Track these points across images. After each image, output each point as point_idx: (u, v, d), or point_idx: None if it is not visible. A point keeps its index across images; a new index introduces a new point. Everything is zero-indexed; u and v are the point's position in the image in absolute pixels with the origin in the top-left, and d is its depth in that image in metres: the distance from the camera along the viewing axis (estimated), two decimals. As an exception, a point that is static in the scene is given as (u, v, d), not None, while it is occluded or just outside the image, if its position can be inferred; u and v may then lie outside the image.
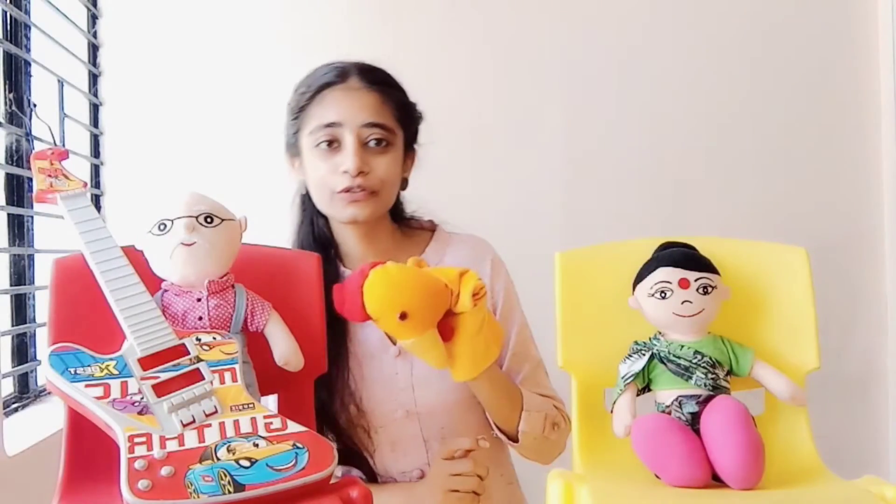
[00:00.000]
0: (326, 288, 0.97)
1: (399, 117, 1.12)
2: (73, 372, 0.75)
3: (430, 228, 1.21)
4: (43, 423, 1.31)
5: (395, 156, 1.11)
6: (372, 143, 1.09)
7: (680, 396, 0.84)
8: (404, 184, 1.19)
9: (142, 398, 0.75)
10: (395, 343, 1.10)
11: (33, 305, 1.50)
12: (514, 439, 1.10)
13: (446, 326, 0.89)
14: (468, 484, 1.03)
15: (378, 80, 1.12)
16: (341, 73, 1.11)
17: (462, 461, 1.04)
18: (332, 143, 1.09)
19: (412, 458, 1.13)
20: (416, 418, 1.12)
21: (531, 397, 1.11)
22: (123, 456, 0.69)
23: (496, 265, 1.19)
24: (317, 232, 1.15)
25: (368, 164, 1.08)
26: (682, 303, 0.85)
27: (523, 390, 1.12)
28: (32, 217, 1.50)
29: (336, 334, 1.08)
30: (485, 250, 1.20)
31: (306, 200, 1.16)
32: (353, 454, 1.11)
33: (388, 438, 1.12)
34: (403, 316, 0.84)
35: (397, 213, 1.21)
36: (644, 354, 0.86)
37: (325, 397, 1.07)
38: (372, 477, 1.12)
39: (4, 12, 1.46)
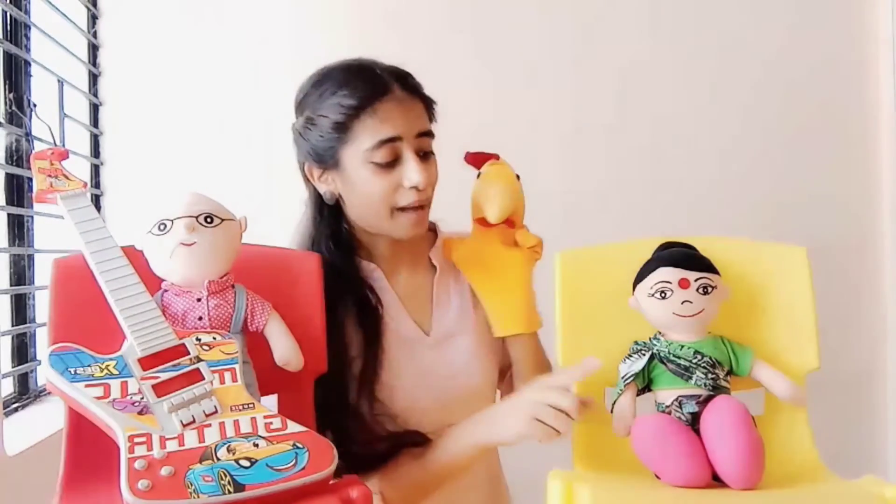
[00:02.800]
0: (351, 282, 1.09)
1: (431, 119, 1.11)
2: (73, 372, 0.75)
3: (433, 228, 1.21)
4: (43, 423, 1.31)
5: (435, 161, 1.10)
6: (425, 150, 1.08)
7: (680, 396, 0.84)
8: None
9: (142, 398, 0.75)
10: (426, 333, 1.14)
11: (33, 305, 1.50)
12: None
13: (510, 222, 1.10)
14: (559, 422, 0.88)
15: (413, 85, 1.09)
16: (384, 83, 1.06)
17: (564, 394, 0.88)
18: (388, 158, 1.04)
19: None
20: (448, 409, 1.10)
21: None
22: (123, 456, 0.69)
23: None
24: (343, 240, 1.12)
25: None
26: (682, 303, 0.85)
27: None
28: (32, 217, 1.50)
29: (370, 326, 1.09)
30: None
31: (326, 210, 1.12)
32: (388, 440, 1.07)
33: (419, 424, 1.09)
34: (518, 177, 1.12)
35: None
36: (644, 354, 0.86)
37: (352, 389, 1.06)
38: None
39: (4, 12, 1.46)
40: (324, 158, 1.08)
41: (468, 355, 1.15)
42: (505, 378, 1.21)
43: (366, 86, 1.05)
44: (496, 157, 1.15)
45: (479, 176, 1.12)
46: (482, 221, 1.10)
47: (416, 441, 1.07)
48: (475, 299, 1.16)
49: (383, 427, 1.07)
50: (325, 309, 0.99)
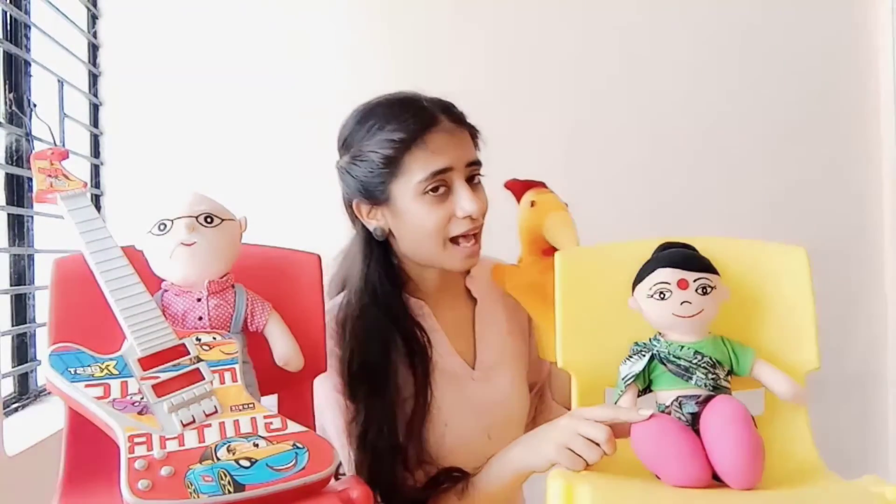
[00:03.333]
0: (402, 321, 1.08)
1: (476, 147, 1.12)
2: (73, 372, 0.75)
3: None
4: (43, 423, 1.31)
5: (483, 189, 1.11)
6: (473, 181, 1.09)
7: (680, 397, 0.84)
8: None
9: (142, 398, 0.75)
10: (473, 368, 1.14)
11: (33, 305, 1.50)
12: None
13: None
14: (589, 451, 0.85)
15: (459, 115, 1.10)
16: (432, 115, 1.06)
17: (599, 427, 0.85)
18: (438, 189, 1.05)
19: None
20: (493, 440, 1.10)
21: None
22: (123, 456, 0.69)
23: None
24: (393, 277, 1.12)
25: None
26: (682, 303, 0.85)
27: None
28: (32, 217, 1.50)
29: (421, 367, 1.08)
30: None
31: (375, 246, 1.11)
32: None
33: (466, 459, 1.08)
34: (533, 204, 1.11)
35: None
36: (644, 355, 0.86)
37: (401, 431, 1.05)
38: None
39: (4, 12, 1.46)
40: (374, 194, 1.07)
41: (509, 384, 1.16)
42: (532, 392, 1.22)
43: (414, 119, 1.05)
44: (542, 184, 1.14)
45: (531, 204, 1.11)
46: (540, 251, 1.10)
47: (455, 477, 1.06)
48: (510, 326, 1.18)
49: (426, 471, 1.07)
50: (377, 349, 1.05)
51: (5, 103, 1.44)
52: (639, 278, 0.89)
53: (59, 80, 1.61)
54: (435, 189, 1.04)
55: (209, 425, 0.73)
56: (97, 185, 1.83)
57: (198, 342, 0.81)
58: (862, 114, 1.96)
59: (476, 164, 1.09)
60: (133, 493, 0.66)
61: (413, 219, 1.06)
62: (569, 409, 0.93)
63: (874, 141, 1.95)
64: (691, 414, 0.82)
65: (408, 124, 1.04)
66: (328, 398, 1.06)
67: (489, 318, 1.18)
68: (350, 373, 1.06)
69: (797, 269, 0.93)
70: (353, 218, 1.13)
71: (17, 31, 1.49)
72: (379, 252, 1.11)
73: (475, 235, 1.09)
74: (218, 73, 1.86)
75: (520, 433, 1.07)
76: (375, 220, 1.10)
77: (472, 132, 1.11)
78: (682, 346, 0.85)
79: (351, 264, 1.13)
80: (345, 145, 1.11)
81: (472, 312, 1.18)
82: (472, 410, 1.12)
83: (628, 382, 0.86)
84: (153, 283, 0.86)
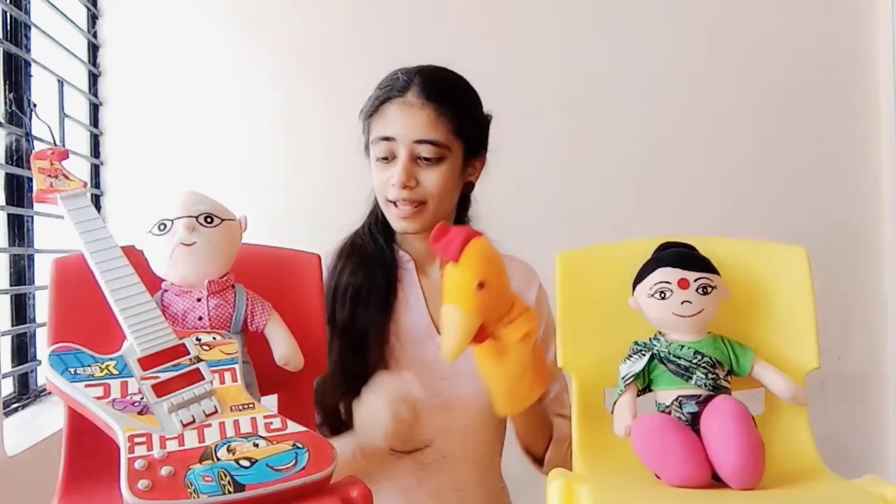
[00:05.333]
0: (384, 264, 1.18)
1: (456, 129, 1.15)
2: (73, 372, 0.75)
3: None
4: (43, 423, 1.31)
5: (447, 168, 1.15)
6: (424, 158, 1.13)
7: (680, 396, 0.84)
8: (469, 187, 1.24)
9: (142, 398, 0.75)
10: (439, 332, 1.15)
11: (33, 305, 1.50)
12: (540, 462, 1.17)
13: (484, 332, 0.88)
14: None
15: (436, 95, 1.14)
16: (403, 86, 1.15)
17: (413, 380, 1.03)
18: (388, 158, 1.14)
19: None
20: (448, 409, 1.15)
21: (560, 427, 1.17)
22: (123, 456, 0.69)
23: (541, 296, 1.25)
24: (386, 224, 1.21)
25: (416, 178, 1.13)
26: (682, 303, 0.85)
27: (554, 419, 1.18)
28: (32, 217, 1.50)
29: (382, 313, 1.16)
30: (532, 279, 1.26)
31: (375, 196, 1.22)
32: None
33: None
34: (481, 285, 0.84)
35: (461, 224, 1.24)
36: (644, 355, 0.86)
37: (356, 369, 1.11)
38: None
39: (4, 12, 1.46)
40: (366, 150, 1.20)
41: (473, 366, 1.15)
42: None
43: (387, 87, 1.16)
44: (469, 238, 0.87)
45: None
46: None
47: None
48: None
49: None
50: (354, 281, 1.15)
51: (5, 103, 1.45)
52: (639, 278, 0.89)
53: (59, 80, 1.61)
54: (381, 153, 1.15)
55: (209, 425, 0.73)
56: (97, 185, 1.84)
57: (198, 342, 0.81)
58: (862, 113, 1.95)
59: (428, 143, 1.12)
60: (133, 493, 0.65)
61: (372, 175, 1.19)
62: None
63: (874, 141, 1.95)
64: (691, 414, 0.82)
65: (380, 92, 1.17)
66: None
67: None
68: (334, 300, 1.15)
69: (797, 269, 0.93)
70: None
71: (17, 31, 1.49)
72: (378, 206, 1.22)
73: (414, 204, 1.14)
74: (218, 73, 1.86)
75: (481, 418, 1.16)
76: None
77: (454, 112, 1.14)
78: (682, 346, 0.85)
79: (364, 214, 1.25)
80: None
81: None
82: (426, 372, 1.12)
83: (628, 382, 0.86)
84: (153, 283, 0.86)
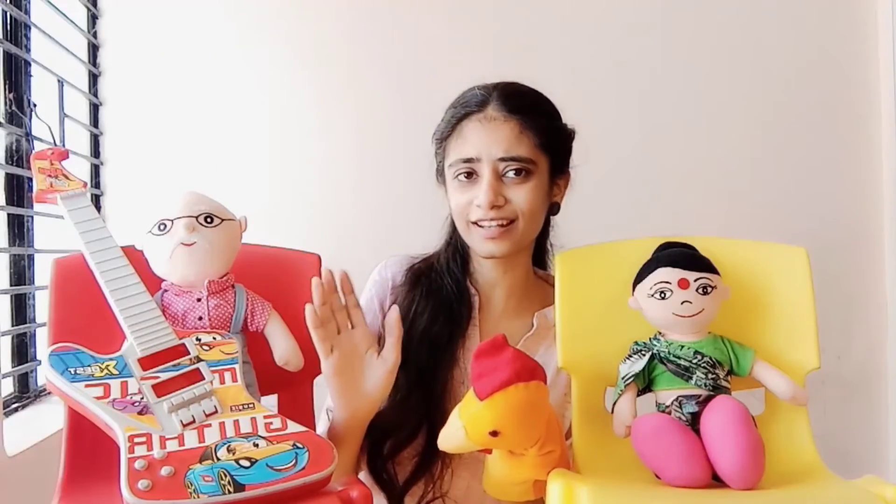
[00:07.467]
0: (456, 293, 1.14)
1: (541, 144, 1.08)
2: (73, 372, 0.75)
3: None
4: (43, 423, 1.31)
5: (536, 184, 1.08)
6: (511, 174, 1.07)
7: (680, 396, 0.84)
8: (555, 209, 1.17)
9: (142, 398, 0.75)
10: None
11: (33, 305, 1.50)
12: None
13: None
14: None
15: (518, 108, 1.08)
16: (481, 102, 1.09)
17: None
18: (471, 175, 1.08)
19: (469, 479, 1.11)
20: (468, 467, 1.10)
21: None
22: (123, 456, 0.69)
23: None
24: (463, 253, 1.17)
25: (504, 197, 1.07)
26: (682, 303, 0.85)
27: None
28: (32, 217, 1.50)
29: (453, 361, 1.12)
30: None
31: (453, 224, 1.16)
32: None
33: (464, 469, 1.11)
34: (495, 433, 0.76)
35: (541, 250, 1.22)
36: (644, 355, 0.86)
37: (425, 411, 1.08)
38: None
39: (4, 12, 1.46)
40: (439, 175, 1.16)
41: None
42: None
43: (464, 105, 1.11)
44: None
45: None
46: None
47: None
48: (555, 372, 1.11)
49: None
50: (432, 328, 1.11)
51: (5, 103, 1.44)
52: (639, 278, 0.89)
53: (59, 80, 1.61)
54: (462, 174, 1.09)
55: (209, 425, 0.73)
56: (97, 185, 1.83)
57: (198, 342, 0.81)
58: (862, 113, 1.95)
59: (513, 160, 1.06)
60: (133, 493, 0.66)
61: (450, 198, 1.12)
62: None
63: (874, 141, 1.95)
64: (691, 414, 0.82)
65: (455, 110, 1.11)
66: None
67: (531, 350, 1.13)
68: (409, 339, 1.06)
69: (797, 269, 0.93)
70: None
71: (17, 31, 1.49)
72: (456, 233, 1.17)
73: (502, 225, 1.07)
74: (218, 73, 1.86)
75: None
76: (446, 199, 1.15)
77: (538, 125, 1.09)
78: (683, 346, 0.85)
79: (441, 244, 1.21)
80: None
81: (519, 334, 1.15)
82: None
83: (628, 382, 0.86)
84: (153, 283, 0.86)
